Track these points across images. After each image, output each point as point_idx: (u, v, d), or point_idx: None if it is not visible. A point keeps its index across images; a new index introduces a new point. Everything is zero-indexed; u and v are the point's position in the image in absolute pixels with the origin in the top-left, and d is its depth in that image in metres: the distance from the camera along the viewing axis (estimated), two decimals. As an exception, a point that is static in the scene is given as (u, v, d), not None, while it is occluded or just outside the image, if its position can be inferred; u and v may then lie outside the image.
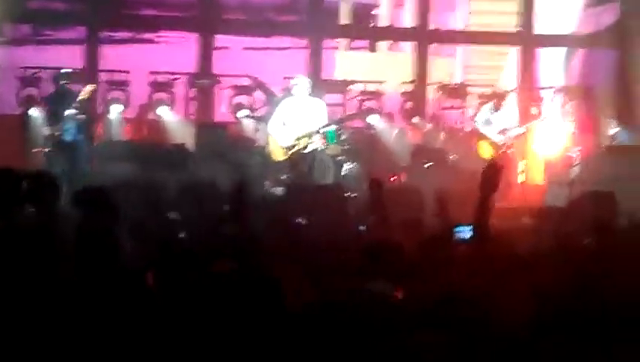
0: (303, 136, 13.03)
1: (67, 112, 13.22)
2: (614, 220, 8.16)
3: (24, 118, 15.67)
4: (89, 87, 13.90)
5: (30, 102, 15.80)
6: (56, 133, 13.23)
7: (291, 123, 13.10)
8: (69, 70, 14.24)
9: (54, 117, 13.31)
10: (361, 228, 7.12)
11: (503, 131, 13.65)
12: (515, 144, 13.73)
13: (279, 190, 12.69)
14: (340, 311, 4.06)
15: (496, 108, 13.77)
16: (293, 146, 13.08)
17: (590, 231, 6.40)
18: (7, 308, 3.66)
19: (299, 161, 13.04)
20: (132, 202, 7.54)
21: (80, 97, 13.62)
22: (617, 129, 14.99)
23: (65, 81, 13.68)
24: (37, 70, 16.18)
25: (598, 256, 5.51)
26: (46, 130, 13.35)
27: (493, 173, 5.21)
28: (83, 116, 13.46)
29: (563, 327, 3.98)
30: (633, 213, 8.54)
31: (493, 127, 13.63)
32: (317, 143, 13.30)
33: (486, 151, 13.19)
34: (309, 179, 13.06)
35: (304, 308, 4.00)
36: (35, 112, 15.52)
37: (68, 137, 13.28)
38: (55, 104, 13.46)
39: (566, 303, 4.23)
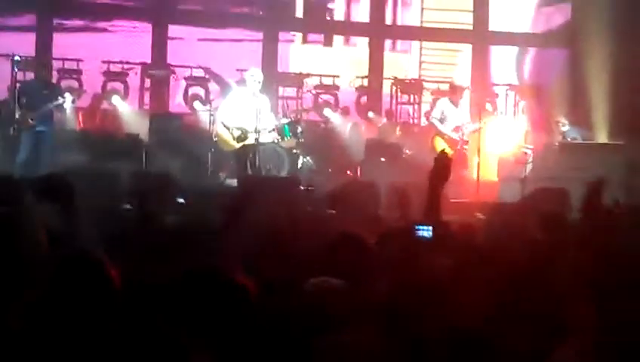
0: (257, 128, 12.96)
1: (43, 102, 13.17)
2: (567, 215, 8.21)
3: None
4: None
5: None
6: (30, 122, 13.12)
7: (244, 114, 13.01)
8: (23, 57, 14.14)
9: (30, 105, 13.19)
10: (318, 220, 7.08)
11: (458, 127, 13.71)
12: (469, 140, 13.80)
13: (234, 181, 12.64)
14: (287, 309, 4.05)
15: (453, 105, 13.82)
16: (247, 138, 13.00)
17: (542, 227, 6.43)
18: None
19: (254, 152, 12.98)
20: (86, 191, 7.46)
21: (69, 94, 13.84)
22: (569, 127, 15.14)
23: (20, 69, 13.60)
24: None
25: (550, 251, 5.55)
26: (19, 118, 13.21)
27: (444, 165, 5.26)
28: (58, 106, 13.42)
29: (516, 320, 4.01)
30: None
31: (449, 123, 13.68)
32: (272, 135, 13.26)
33: (442, 147, 13.24)
34: (263, 171, 13.04)
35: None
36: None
37: (41, 127, 13.21)
38: (32, 92, 13.35)
39: (519, 297, 4.26)
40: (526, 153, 14.51)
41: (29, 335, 3.34)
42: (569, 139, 14.82)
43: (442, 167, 5.25)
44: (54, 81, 15.78)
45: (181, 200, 10.28)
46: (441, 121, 13.67)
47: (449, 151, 12.03)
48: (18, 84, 14.22)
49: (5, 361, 3.26)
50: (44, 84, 13.67)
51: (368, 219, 6.67)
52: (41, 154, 13.14)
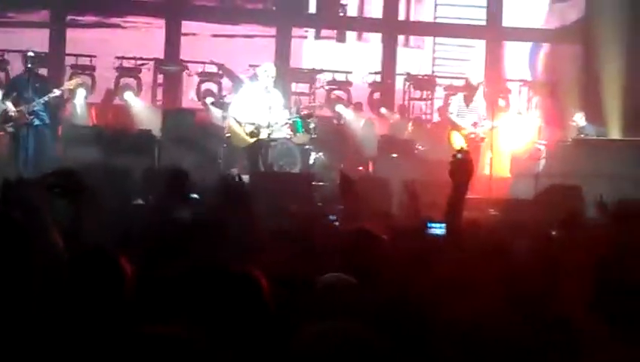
0: (270, 123, 12.94)
1: (37, 96, 13.03)
2: (580, 213, 8.19)
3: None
4: (76, 80, 14.33)
5: (-5, 84, 15.67)
6: (26, 117, 12.96)
7: (256, 110, 12.98)
8: (37, 53, 14.05)
9: (23, 100, 13.05)
10: (330, 217, 7.08)
11: (475, 123, 13.69)
12: (484, 137, 13.77)
13: (246, 177, 12.62)
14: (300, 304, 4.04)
15: (468, 100, 13.79)
16: (260, 133, 12.98)
17: (556, 224, 6.41)
18: None
19: (266, 148, 12.96)
20: (98, 187, 7.46)
21: (66, 87, 13.85)
22: (583, 123, 15.07)
23: (33, 64, 13.42)
24: (2, 53, 16.04)
25: (564, 249, 5.52)
26: (13, 113, 13.06)
27: (467, 162, 5.19)
28: (53, 100, 13.27)
29: (526, 317, 3.99)
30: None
31: (466, 119, 13.66)
32: (284, 131, 13.25)
33: (458, 143, 13.21)
34: (276, 167, 13.01)
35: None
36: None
37: (37, 121, 13.08)
38: (25, 87, 13.17)
39: (530, 294, 4.24)
40: (539, 149, 14.44)
41: (43, 333, 3.34)
42: (584, 136, 14.74)
43: (465, 164, 5.17)
44: (67, 76, 15.82)
45: (194, 196, 10.27)
46: (459, 116, 13.67)
47: (465, 148, 11.98)
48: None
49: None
50: (34, 78, 13.36)
51: (380, 215, 6.65)
52: (44, 149, 13.02)
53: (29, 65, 13.26)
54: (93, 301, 3.64)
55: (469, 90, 13.87)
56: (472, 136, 13.58)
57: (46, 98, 13.04)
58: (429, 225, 4.94)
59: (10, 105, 13.07)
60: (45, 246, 3.40)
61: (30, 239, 3.39)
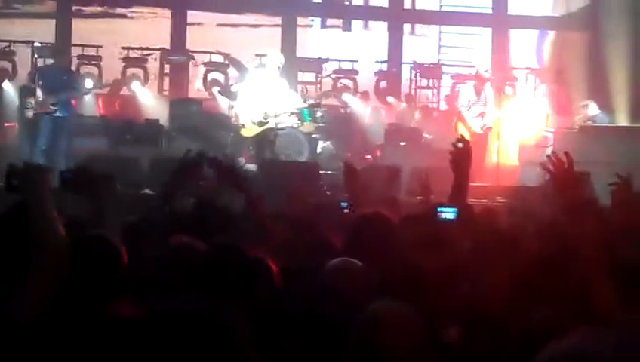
0: (276, 113, 12.90)
1: (62, 88, 13.04)
2: (587, 199, 8.17)
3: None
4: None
5: (2, 75, 15.67)
6: (50, 107, 12.95)
7: (263, 98, 12.93)
8: (43, 43, 14.07)
9: (48, 90, 13.02)
10: (342, 204, 7.08)
11: (482, 113, 13.66)
12: (492, 126, 13.74)
13: (253, 167, 12.62)
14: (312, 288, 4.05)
15: (478, 91, 13.76)
16: (267, 122, 12.93)
17: (564, 211, 6.39)
18: None
19: (273, 137, 12.93)
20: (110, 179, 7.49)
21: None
22: (596, 111, 15.00)
23: (40, 55, 13.48)
24: (8, 44, 16.05)
25: (572, 235, 5.51)
26: (38, 105, 13.06)
27: (467, 153, 5.24)
28: (76, 93, 13.31)
29: (536, 302, 4.00)
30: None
31: (475, 109, 13.63)
32: (291, 120, 13.22)
33: (465, 133, 13.19)
34: (283, 156, 12.99)
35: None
36: (7, 86, 15.40)
37: (59, 112, 13.05)
38: (51, 77, 13.16)
39: (539, 279, 4.25)
40: (547, 137, 14.41)
41: (36, 322, 3.35)
42: (592, 123, 14.65)
43: (465, 152, 5.23)
44: (74, 67, 15.82)
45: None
46: (467, 106, 13.64)
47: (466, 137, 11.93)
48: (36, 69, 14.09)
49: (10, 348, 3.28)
50: (63, 70, 13.55)
51: (388, 202, 6.65)
52: (60, 139, 13.03)
53: (37, 56, 13.28)
54: (91, 285, 3.67)
55: (480, 80, 13.83)
56: (480, 126, 13.56)
57: (73, 93, 13.13)
58: (439, 209, 4.94)
59: (36, 93, 13.09)
60: (40, 232, 3.42)
61: (25, 223, 3.41)
